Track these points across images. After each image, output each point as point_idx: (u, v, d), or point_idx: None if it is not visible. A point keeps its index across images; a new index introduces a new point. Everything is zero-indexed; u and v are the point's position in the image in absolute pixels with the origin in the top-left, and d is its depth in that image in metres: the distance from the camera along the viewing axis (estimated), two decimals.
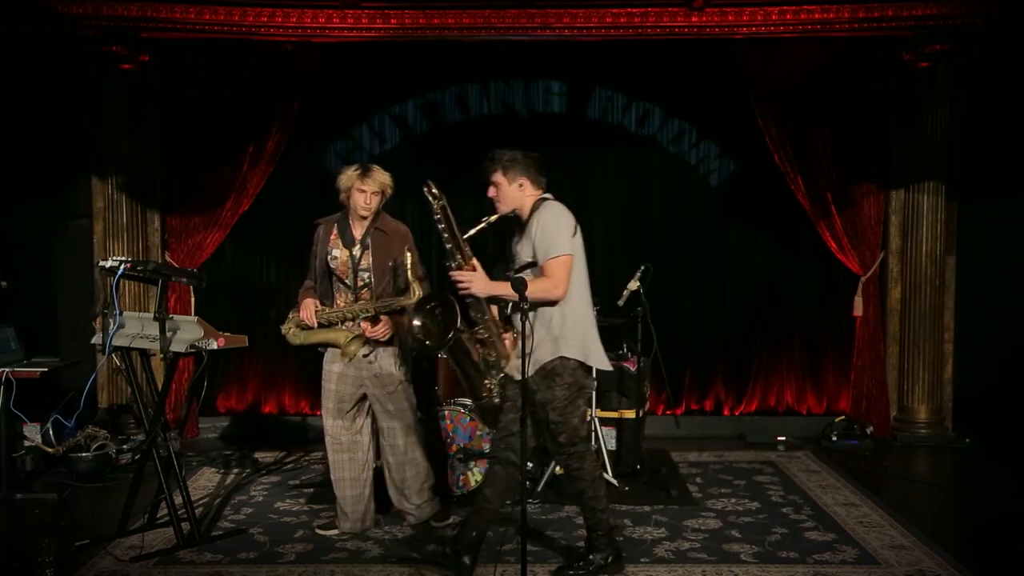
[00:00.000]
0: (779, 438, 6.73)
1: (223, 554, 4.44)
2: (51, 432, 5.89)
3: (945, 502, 5.51)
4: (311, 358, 6.93)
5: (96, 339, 4.83)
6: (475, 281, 3.82)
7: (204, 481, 5.74)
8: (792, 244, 7.07)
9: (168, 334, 4.42)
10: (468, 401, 5.48)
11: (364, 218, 4.67)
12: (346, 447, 4.75)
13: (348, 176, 4.64)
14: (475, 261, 3.88)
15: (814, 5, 6.17)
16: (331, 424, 4.76)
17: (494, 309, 4.08)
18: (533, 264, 3.90)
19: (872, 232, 6.81)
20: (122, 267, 4.43)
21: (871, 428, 6.73)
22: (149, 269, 4.57)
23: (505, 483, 4.05)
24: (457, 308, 3.86)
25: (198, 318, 4.69)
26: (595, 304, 5.56)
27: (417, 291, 4.43)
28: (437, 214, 3.86)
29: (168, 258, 6.76)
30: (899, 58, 6.52)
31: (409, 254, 4.47)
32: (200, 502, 5.21)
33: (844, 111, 6.74)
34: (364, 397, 4.76)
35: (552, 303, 3.87)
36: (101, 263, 4.49)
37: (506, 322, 4.13)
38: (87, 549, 4.44)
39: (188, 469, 5.78)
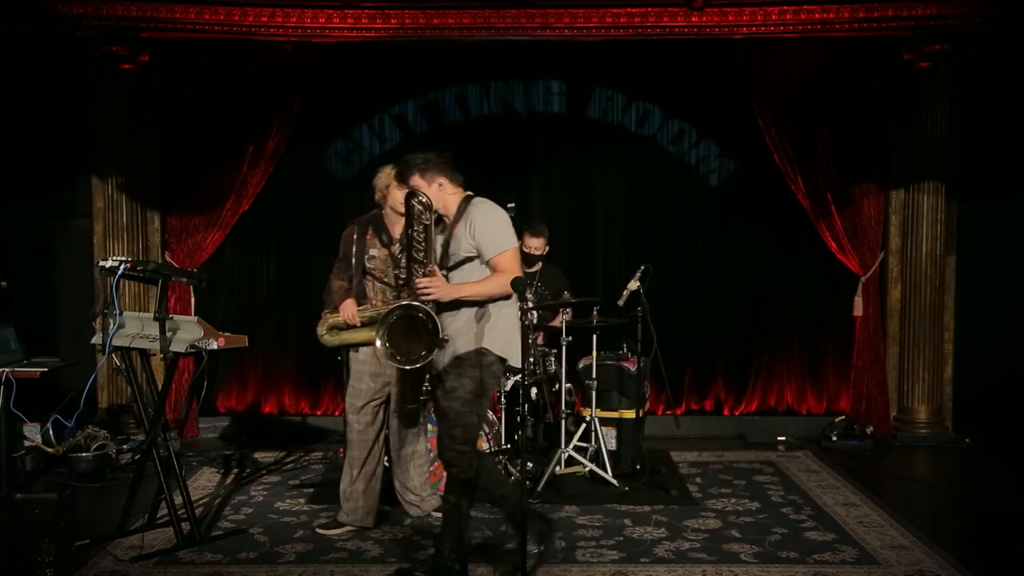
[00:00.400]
0: (779, 438, 6.73)
1: (223, 554, 4.44)
2: (51, 432, 5.89)
3: (945, 502, 5.51)
4: (311, 358, 7.01)
5: (96, 339, 4.83)
6: (438, 286, 3.81)
7: (204, 481, 5.74)
8: (792, 244, 7.07)
9: (168, 334, 4.42)
10: None
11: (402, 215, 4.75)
12: (370, 443, 4.78)
13: (386, 174, 4.73)
14: (434, 267, 3.86)
15: (814, 5, 6.17)
16: (358, 420, 4.76)
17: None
18: (470, 260, 3.88)
19: (872, 232, 6.81)
20: (122, 267, 4.42)
21: (871, 428, 6.73)
22: (149, 269, 4.57)
23: (492, 470, 4.05)
24: (431, 314, 3.77)
25: (198, 318, 4.69)
26: (595, 304, 5.65)
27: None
28: (424, 222, 3.83)
29: (168, 258, 6.76)
30: (899, 58, 6.53)
31: None
32: (200, 502, 5.21)
33: (844, 111, 6.74)
34: (388, 394, 4.81)
35: (506, 296, 3.87)
36: (101, 263, 4.49)
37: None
38: (87, 549, 4.44)
39: (188, 469, 5.78)
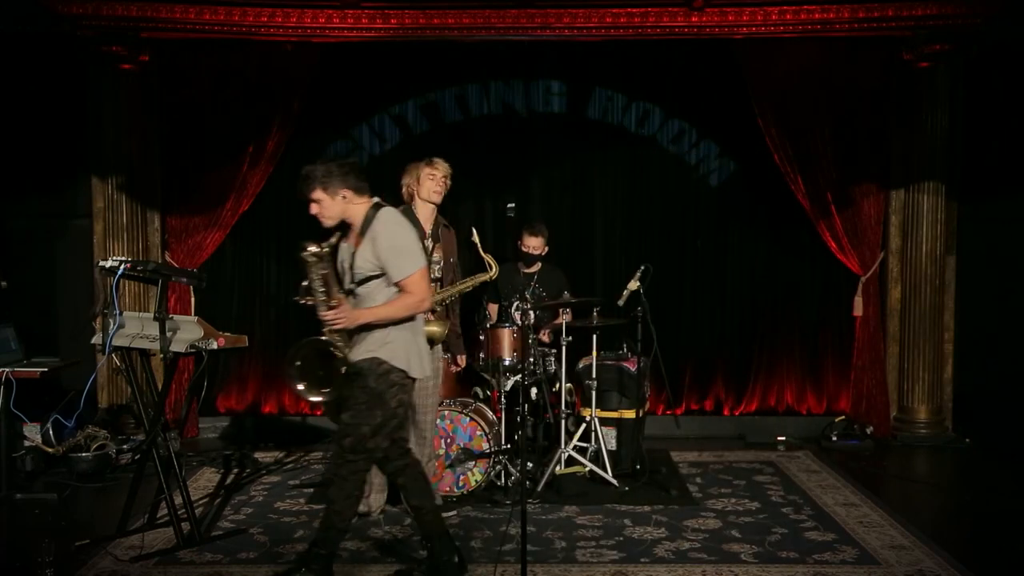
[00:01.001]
0: (779, 438, 6.74)
1: (223, 554, 4.44)
2: (51, 432, 5.89)
3: (945, 502, 5.52)
4: None
5: (96, 339, 4.83)
6: (347, 315, 3.78)
7: (204, 481, 5.74)
8: (792, 244, 7.07)
9: (168, 334, 4.42)
10: (469, 401, 5.50)
11: (435, 206, 4.95)
12: None
13: (415, 165, 4.92)
14: (340, 296, 3.82)
15: (814, 5, 6.17)
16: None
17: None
18: (378, 276, 3.83)
19: (872, 232, 6.81)
20: (122, 267, 4.42)
21: (871, 428, 6.73)
22: (149, 269, 4.57)
23: (420, 482, 4.01)
24: (327, 347, 3.79)
25: (198, 318, 4.69)
26: (595, 304, 5.65)
27: (494, 264, 4.93)
28: (321, 271, 3.79)
29: (168, 258, 6.76)
30: (899, 58, 6.53)
31: (475, 231, 4.91)
32: (200, 502, 5.21)
33: (844, 111, 6.74)
34: None
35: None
36: (101, 263, 4.49)
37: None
38: (87, 549, 4.44)
39: (188, 469, 5.78)
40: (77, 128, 6.75)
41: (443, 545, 4.00)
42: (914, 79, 6.56)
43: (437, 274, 4.99)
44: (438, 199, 5.02)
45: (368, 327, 3.82)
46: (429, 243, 4.93)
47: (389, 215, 3.90)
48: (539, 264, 6.09)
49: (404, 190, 5.05)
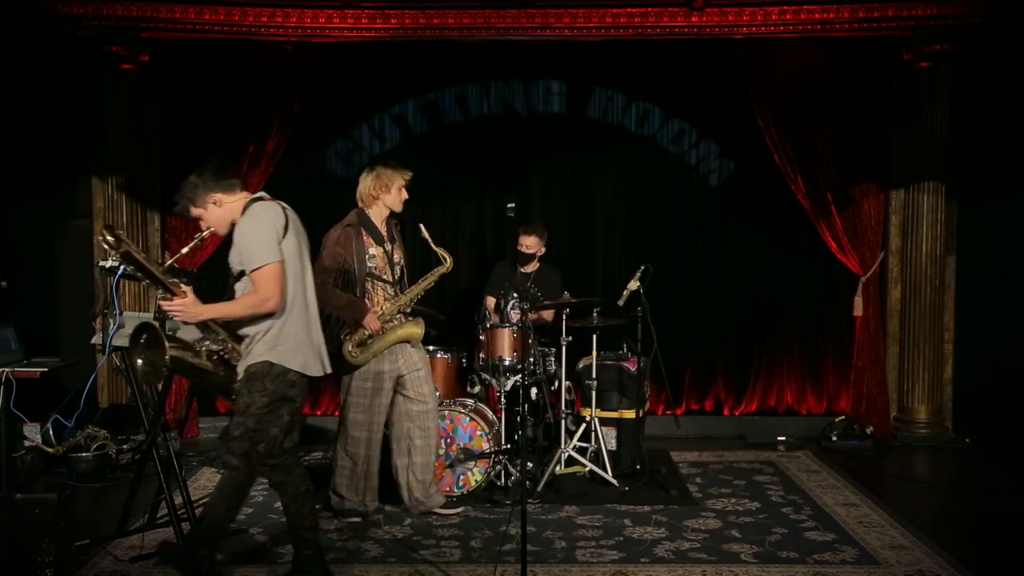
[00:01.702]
0: (779, 438, 6.73)
1: (223, 554, 4.43)
2: (51, 432, 5.89)
3: (945, 502, 5.52)
4: None
5: (96, 339, 4.84)
6: (186, 308, 3.73)
7: (204, 481, 5.74)
8: (792, 244, 7.07)
9: (168, 334, 4.41)
10: (469, 401, 5.50)
11: (392, 215, 4.89)
12: (376, 433, 4.88)
13: (387, 172, 4.84)
14: (186, 288, 3.76)
15: (814, 5, 6.17)
16: (366, 419, 4.84)
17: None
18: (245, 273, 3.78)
19: (872, 232, 6.81)
20: (122, 267, 4.41)
21: (871, 428, 6.73)
22: None
23: (234, 493, 3.98)
24: (161, 334, 3.81)
25: None
26: (595, 304, 5.65)
27: (448, 257, 4.85)
28: (122, 263, 3.76)
29: (168, 258, 6.75)
30: (899, 58, 6.52)
31: (423, 227, 4.83)
32: (200, 502, 5.19)
33: (844, 111, 6.74)
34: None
35: (269, 315, 3.73)
36: (101, 263, 4.47)
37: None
38: (87, 549, 4.43)
39: (188, 469, 5.78)
40: (77, 128, 6.75)
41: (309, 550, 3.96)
42: (914, 79, 6.56)
43: (398, 275, 4.95)
44: (401, 209, 4.94)
45: (248, 328, 3.76)
46: (388, 246, 4.87)
47: (253, 209, 3.80)
48: (536, 263, 6.09)
49: (366, 191, 4.86)
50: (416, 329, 4.89)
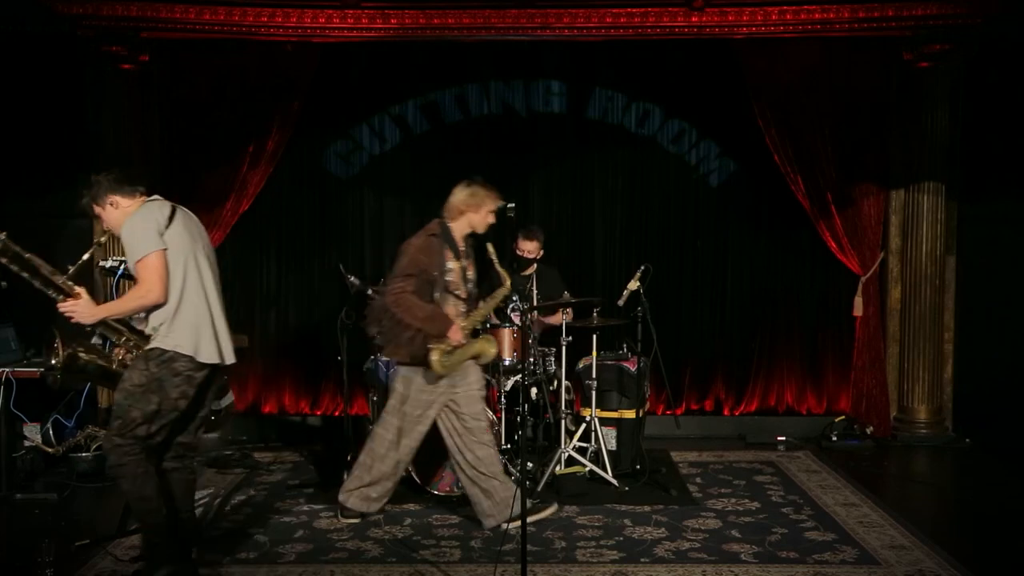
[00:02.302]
0: (779, 438, 6.73)
1: (223, 554, 4.44)
2: (51, 432, 5.88)
3: (945, 502, 5.52)
4: (311, 358, 7.02)
5: (96, 339, 4.82)
6: (79, 310, 3.75)
7: (204, 481, 5.73)
8: (792, 244, 7.07)
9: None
10: None
11: (471, 234, 4.80)
12: (407, 440, 4.80)
13: (489, 197, 4.73)
14: (80, 290, 3.79)
15: (814, 5, 6.17)
16: (401, 426, 4.78)
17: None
18: None
19: (872, 232, 6.81)
20: (122, 267, 4.42)
21: (871, 428, 6.73)
22: None
23: (187, 489, 3.99)
24: (56, 336, 3.88)
25: None
26: (595, 304, 5.65)
27: (507, 277, 4.73)
28: (11, 265, 3.74)
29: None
30: (899, 58, 6.53)
31: (491, 247, 4.68)
32: (200, 502, 5.20)
33: (844, 111, 6.74)
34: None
35: (159, 306, 3.74)
36: (101, 263, 4.49)
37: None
38: (87, 549, 4.44)
39: None
40: (77, 128, 6.74)
41: (162, 557, 3.88)
42: (914, 79, 6.56)
43: (469, 291, 4.84)
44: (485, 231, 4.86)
45: (149, 317, 3.77)
46: (464, 262, 4.77)
47: (141, 207, 3.86)
48: (535, 265, 6.09)
49: (456, 204, 4.75)
50: (490, 347, 4.77)
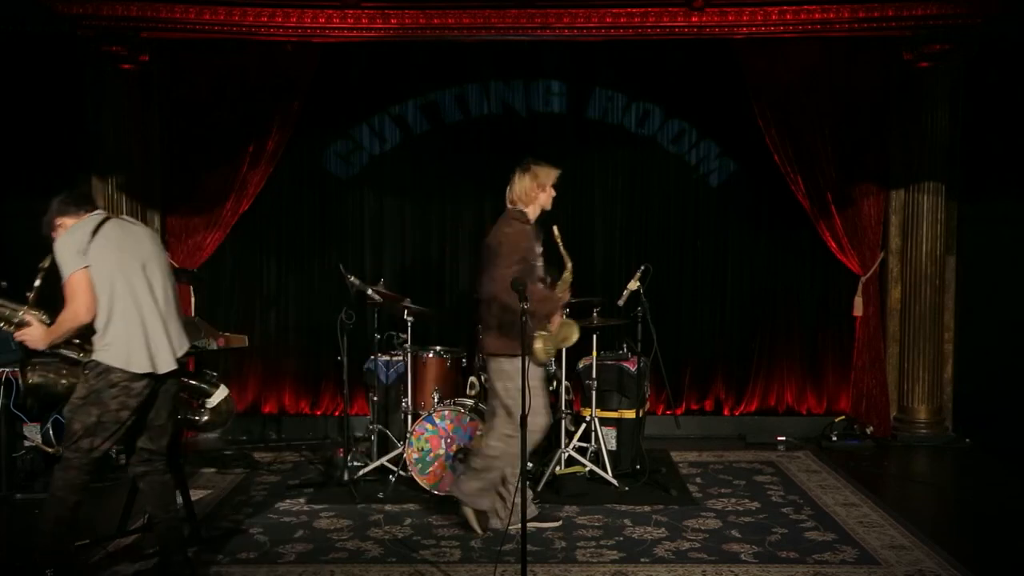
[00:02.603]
0: (779, 438, 6.73)
1: (223, 554, 4.44)
2: (51, 432, 5.88)
3: (945, 502, 5.52)
4: (311, 358, 7.02)
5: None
6: (29, 337, 3.82)
7: (204, 481, 5.74)
8: (792, 244, 7.07)
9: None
10: (469, 401, 5.51)
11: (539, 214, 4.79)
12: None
13: (550, 171, 4.80)
14: (29, 316, 3.86)
15: (814, 5, 6.17)
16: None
17: None
18: None
19: (872, 232, 6.81)
20: None
21: (871, 428, 6.73)
22: None
23: (159, 491, 3.99)
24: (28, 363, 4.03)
25: (198, 318, 4.69)
26: (595, 304, 5.64)
27: (569, 261, 4.69)
28: None
29: (168, 258, 6.75)
30: (899, 58, 6.53)
31: (556, 229, 4.67)
32: (200, 502, 5.21)
33: (844, 111, 6.74)
34: None
35: (89, 327, 3.76)
36: None
37: None
38: (87, 549, 4.43)
39: (188, 469, 5.77)
40: (77, 128, 6.75)
41: (177, 559, 3.97)
42: (914, 79, 6.56)
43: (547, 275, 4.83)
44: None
45: (93, 338, 3.80)
46: (540, 247, 4.77)
47: (68, 229, 3.89)
48: None
49: (525, 191, 4.79)
50: (574, 332, 4.71)
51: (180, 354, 3.95)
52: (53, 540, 3.83)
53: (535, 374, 4.61)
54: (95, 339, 3.78)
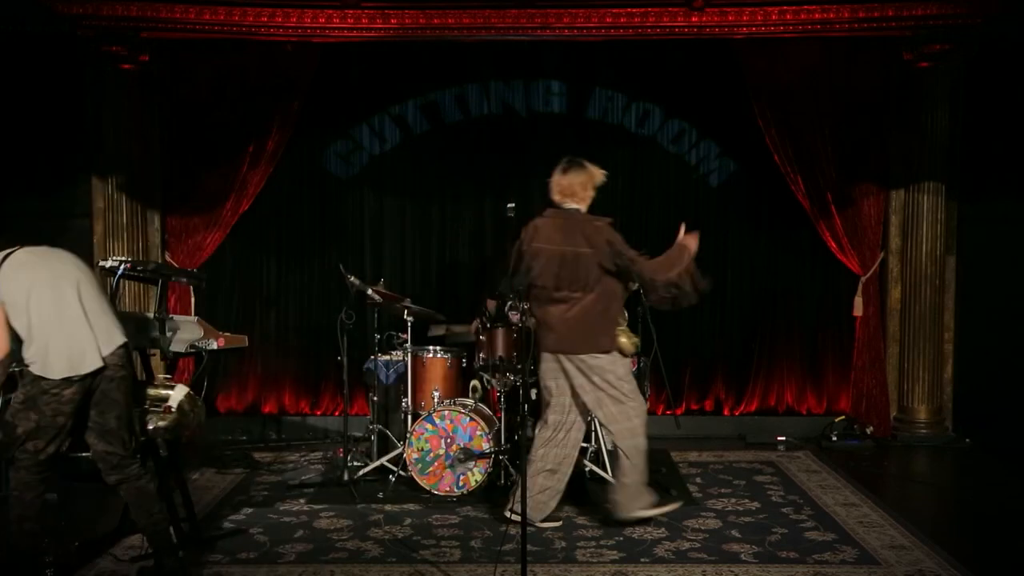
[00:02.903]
0: (779, 438, 6.73)
1: (223, 554, 4.44)
2: None
3: (945, 502, 5.52)
4: (311, 358, 7.02)
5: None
6: None
7: (204, 481, 5.74)
8: (792, 244, 7.07)
9: (168, 334, 4.42)
10: (469, 401, 5.51)
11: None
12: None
13: (598, 172, 4.92)
14: None
15: (814, 5, 6.17)
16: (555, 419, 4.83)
17: None
18: None
19: (872, 232, 6.81)
20: (122, 267, 4.43)
21: (871, 428, 6.73)
22: (149, 269, 4.58)
23: (140, 497, 4.03)
24: None
25: (198, 318, 4.69)
26: None
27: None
28: None
29: (168, 258, 6.76)
30: (899, 58, 6.53)
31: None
32: (200, 502, 5.21)
33: (844, 111, 6.74)
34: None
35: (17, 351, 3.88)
36: (101, 263, 4.50)
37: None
38: (87, 549, 4.43)
39: (188, 469, 5.77)
40: (77, 128, 6.75)
41: (168, 562, 4.03)
42: (914, 79, 6.56)
43: None
44: None
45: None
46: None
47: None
48: None
49: (582, 187, 4.90)
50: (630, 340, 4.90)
51: (107, 352, 3.94)
52: (23, 536, 3.93)
53: (625, 364, 4.79)
54: (24, 357, 3.89)
